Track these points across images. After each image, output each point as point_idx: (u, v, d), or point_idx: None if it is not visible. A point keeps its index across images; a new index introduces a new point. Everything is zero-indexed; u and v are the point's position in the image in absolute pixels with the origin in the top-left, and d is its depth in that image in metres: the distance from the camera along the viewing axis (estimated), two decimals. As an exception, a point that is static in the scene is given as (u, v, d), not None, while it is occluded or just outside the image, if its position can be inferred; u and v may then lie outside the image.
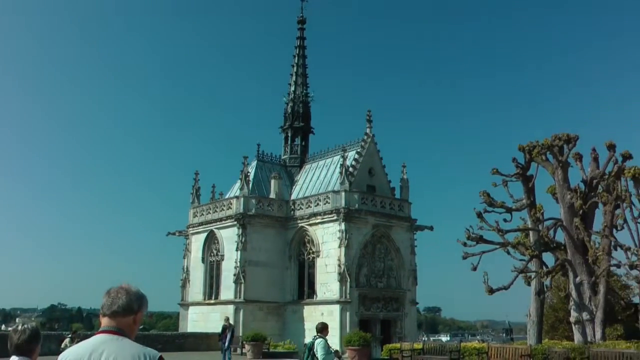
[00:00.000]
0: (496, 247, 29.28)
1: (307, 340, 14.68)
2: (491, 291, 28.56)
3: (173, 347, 38.88)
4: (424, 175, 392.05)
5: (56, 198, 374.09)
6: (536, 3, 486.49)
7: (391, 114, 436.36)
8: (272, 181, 48.51)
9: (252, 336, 37.22)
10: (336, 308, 41.44)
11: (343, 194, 43.52)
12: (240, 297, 43.27)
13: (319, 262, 44.04)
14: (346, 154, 45.77)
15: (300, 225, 46.01)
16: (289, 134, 55.79)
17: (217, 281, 46.61)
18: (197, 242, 48.88)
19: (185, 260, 49.69)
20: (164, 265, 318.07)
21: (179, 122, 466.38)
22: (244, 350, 38.35)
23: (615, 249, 29.62)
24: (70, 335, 28.80)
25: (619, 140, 31.55)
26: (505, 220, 29.70)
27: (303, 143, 56.04)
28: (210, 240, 47.79)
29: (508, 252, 29.45)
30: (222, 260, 45.99)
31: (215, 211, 47.86)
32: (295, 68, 58.15)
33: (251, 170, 49.83)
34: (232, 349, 31.76)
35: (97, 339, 3.58)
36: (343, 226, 42.46)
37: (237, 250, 44.10)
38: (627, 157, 30.51)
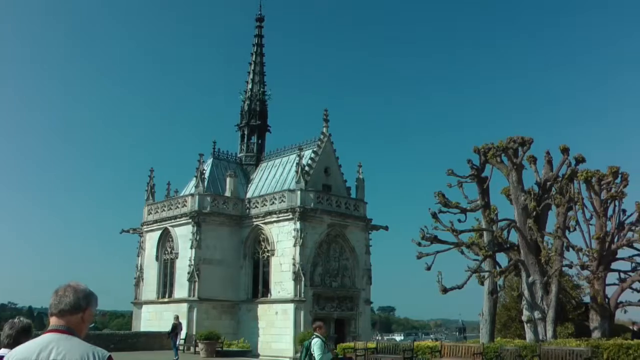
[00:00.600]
0: (450, 247, 29.51)
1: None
2: (445, 290, 28.78)
3: (126, 347, 38.42)
4: (380, 175, 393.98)
5: (6, 196, 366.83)
6: (493, 4, 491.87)
7: (348, 113, 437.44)
8: (228, 179, 48.24)
9: (205, 335, 37.06)
10: (290, 307, 41.46)
11: (299, 192, 43.56)
12: (194, 296, 42.99)
13: (273, 261, 43.99)
14: (302, 153, 45.73)
15: (255, 223, 45.88)
16: (246, 132, 55.55)
17: (171, 279, 46.18)
18: (151, 240, 48.42)
19: (139, 258, 49.20)
20: (117, 264, 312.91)
21: (133, 118, 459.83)
22: (197, 349, 38.11)
23: (568, 250, 30.25)
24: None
25: (573, 144, 32.15)
26: (459, 220, 29.96)
27: (259, 141, 55.86)
28: (165, 238, 47.36)
29: (462, 252, 29.70)
30: (177, 258, 45.62)
31: (170, 209, 47.46)
32: (252, 66, 57.92)
33: (207, 167, 49.48)
34: (175, 346, 31.48)
35: (45, 337, 3.54)
36: (298, 225, 42.49)
37: (191, 248, 43.85)
38: (580, 160, 31.26)
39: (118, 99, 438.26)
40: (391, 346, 30.97)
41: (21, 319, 4.96)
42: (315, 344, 13.24)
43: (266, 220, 45.08)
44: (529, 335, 28.46)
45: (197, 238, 43.95)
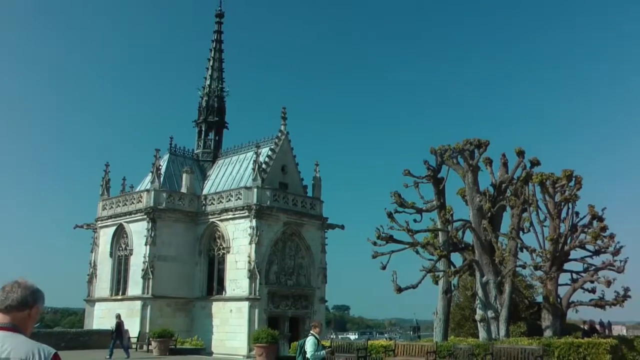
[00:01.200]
0: (406, 247, 29.59)
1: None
2: (399, 290, 28.83)
3: (78, 345, 37.65)
4: (337, 175, 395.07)
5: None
6: (455, 5, 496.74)
7: (306, 112, 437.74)
8: (184, 175, 47.72)
9: (159, 333, 36.48)
10: (245, 305, 41.19)
11: (255, 190, 43.30)
12: (148, 293, 42.41)
13: (229, 258, 43.64)
14: (259, 151, 45.47)
15: (211, 220, 45.49)
16: (203, 128, 55.03)
17: (125, 276, 45.50)
18: (105, 236, 47.63)
19: (93, 254, 48.39)
20: (70, 260, 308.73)
21: (89, 112, 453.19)
22: (150, 347, 37.57)
23: (522, 251, 30.59)
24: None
25: (528, 147, 32.69)
26: (415, 220, 30.06)
27: (217, 138, 55.42)
28: (119, 234, 46.65)
29: (417, 252, 29.82)
30: (131, 254, 44.97)
31: (125, 204, 46.78)
32: (211, 62, 57.47)
33: (163, 163, 48.83)
34: (114, 346, 30.91)
35: None
36: (254, 223, 42.23)
37: (146, 244, 43.27)
38: (535, 163, 31.64)
39: (73, 91, 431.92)
40: (345, 345, 30.78)
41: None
42: (309, 342, 13.78)
43: (222, 218, 44.70)
44: (482, 334, 28.70)
45: (152, 234, 43.40)
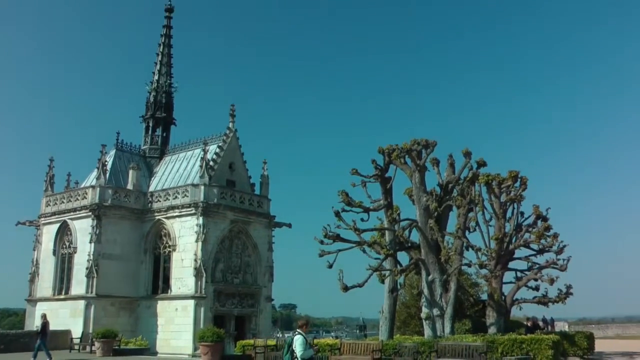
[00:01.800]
0: (352, 246, 29.60)
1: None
2: (346, 288, 28.83)
3: (18, 347, 36.93)
4: (285, 173, 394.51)
5: None
6: (405, 5, 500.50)
7: (255, 110, 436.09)
8: (131, 172, 46.85)
9: (102, 333, 35.89)
10: (191, 303, 40.62)
11: (202, 187, 42.78)
12: (92, 292, 41.41)
13: (175, 256, 42.98)
14: (207, 148, 44.90)
15: (157, 218, 44.79)
16: (150, 124, 54.11)
17: (68, 275, 44.25)
18: (48, 233, 46.31)
19: (35, 252, 46.94)
20: (12, 259, 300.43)
21: (33, 105, 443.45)
22: (93, 348, 36.85)
23: (467, 249, 31.02)
24: None
25: (475, 148, 33.08)
26: (362, 219, 30.20)
27: (164, 134, 54.55)
28: (63, 232, 45.42)
29: (364, 251, 29.90)
30: (75, 252, 43.84)
31: (70, 201, 45.66)
32: (160, 57, 56.60)
33: (109, 159, 47.97)
34: (40, 347, 30.19)
35: None
36: (201, 220, 41.74)
37: (90, 242, 42.26)
38: (481, 164, 32.15)
39: (16, 82, 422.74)
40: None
41: None
42: (297, 340, 13.61)
43: (168, 215, 44.05)
44: (427, 331, 28.90)
45: (97, 232, 42.47)
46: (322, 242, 28.99)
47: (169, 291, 42.73)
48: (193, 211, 42.39)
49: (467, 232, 31.46)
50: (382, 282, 30.60)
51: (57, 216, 46.06)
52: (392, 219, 30.24)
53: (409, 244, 32.37)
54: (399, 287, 33.04)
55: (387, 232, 30.60)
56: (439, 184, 32.70)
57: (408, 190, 32.61)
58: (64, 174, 50.38)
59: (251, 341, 32.27)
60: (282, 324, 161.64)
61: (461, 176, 32.04)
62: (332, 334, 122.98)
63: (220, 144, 46.77)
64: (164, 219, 44.30)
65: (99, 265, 41.84)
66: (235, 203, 44.85)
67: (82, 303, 41.32)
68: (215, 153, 45.87)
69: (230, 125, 47.90)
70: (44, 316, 31.67)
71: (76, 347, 38.60)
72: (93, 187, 44.43)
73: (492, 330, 30.76)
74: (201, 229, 41.50)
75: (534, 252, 33.53)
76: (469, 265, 31.70)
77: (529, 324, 37.16)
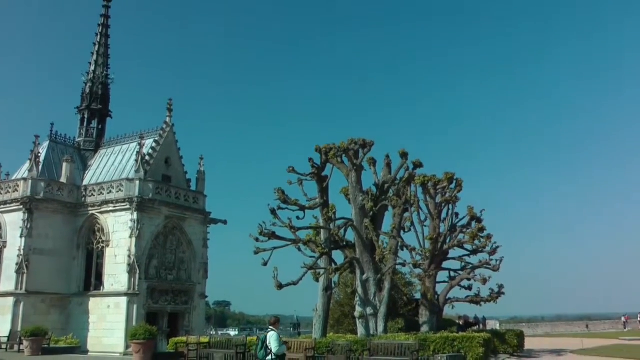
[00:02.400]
0: (288, 244, 29.65)
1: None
2: (280, 286, 28.79)
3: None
4: (222, 170, 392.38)
5: None
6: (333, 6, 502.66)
7: (193, 105, 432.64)
8: (64, 164, 45.65)
9: (31, 331, 34.75)
10: (123, 300, 39.78)
11: (137, 182, 42.02)
12: (21, 289, 40.10)
13: (108, 252, 42.06)
14: (143, 142, 44.15)
15: (91, 212, 43.74)
16: (86, 116, 52.73)
17: (-3, 271, 42.91)
18: (-24, 228, 44.83)
19: (-38, 247, 45.43)
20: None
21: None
22: (21, 347, 35.82)
23: (402, 249, 31.34)
24: None
25: (411, 149, 33.42)
26: (298, 217, 30.30)
27: (100, 126, 53.19)
28: (-8, 225, 44.02)
29: (299, 249, 29.90)
30: (4, 247, 42.38)
31: (0, 193, 44.33)
32: (97, 47, 55.22)
33: (42, 151, 46.59)
34: None
35: None
36: (135, 216, 40.97)
37: (21, 237, 40.96)
38: (417, 165, 32.50)
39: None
40: (224, 341, 30.48)
41: None
42: (272, 337, 14.11)
43: (102, 210, 43.10)
44: (360, 330, 29.11)
45: (28, 226, 41.19)
46: (257, 240, 28.95)
47: (102, 288, 41.79)
48: (128, 206, 41.59)
49: (402, 232, 31.82)
50: (317, 280, 30.60)
51: (-14, 209, 44.56)
52: (327, 218, 30.38)
53: (344, 243, 32.56)
54: (333, 285, 33.20)
55: (322, 231, 30.69)
56: (375, 184, 32.93)
57: (344, 189, 32.79)
58: (-6, 165, 48.66)
59: (184, 338, 32.01)
60: (216, 321, 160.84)
61: (397, 176, 32.36)
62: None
63: (156, 139, 46.00)
64: (97, 214, 43.35)
65: (30, 260, 40.63)
66: (171, 199, 44.21)
67: (10, 300, 40.01)
68: (152, 147, 45.13)
69: (167, 119, 47.19)
70: None
71: (3, 346, 37.50)
72: (25, 179, 43.17)
73: (424, 328, 31.15)
74: (135, 225, 40.75)
75: (467, 253, 34.09)
76: (404, 265, 32.10)
77: (461, 323, 37.81)
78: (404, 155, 32.01)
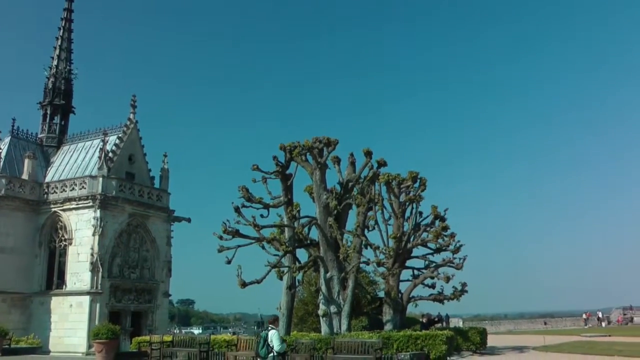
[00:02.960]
0: (252, 242, 29.56)
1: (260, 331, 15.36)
2: (244, 285, 28.64)
3: None
4: (186, 167, 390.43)
5: None
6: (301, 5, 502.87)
7: (158, 102, 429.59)
8: (26, 161, 45.05)
9: (-9, 332, 34.30)
10: (86, 299, 39.35)
11: (100, 179, 41.58)
12: (-19, 288, 39.62)
13: (71, 250, 41.57)
14: (107, 138, 43.75)
15: (53, 210, 43.23)
16: (48, 111, 51.96)
17: (-44, 270, 42.13)
18: None
19: None
20: None
21: None
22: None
23: (366, 248, 31.37)
24: None
25: (376, 148, 33.62)
26: (262, 215, 30.19)
27: (63, 122, 52.46)
28: (-49, 223, 43.19)
29: (263, 247, 29.79)
30: (-35, 245, 41.85)
31: (-41, 190, 43.49)
32: (59, 41, 54.41)
33: (3, 147, 46.00)
34: None
35: None
36: (98, 213, 40.56)
37: (-19, 235, 40.42)
38: (382, 164, 32.56)
39: None
40: (188, 340, 30.35)
41: None
42: (274, 335, 14.50)
43: (65, 207, 42.59)
44: (324, 328, 29.14)
45: (-12, 224, 40.70)
46: (221, 238, 28.76)
47: (64, 287, 41.30)
48: (90, 204, 41.15)
49: (366, 230, 31.85)
50: (281, 278, 30.53)
51: (-56, 206, 43.72)
52: (291, 216, 30.32)
53: (308, 241, 32.54)
54: (297, 284, 33.22)
55: (286, 229, 30.64)
56: (340, 182, 32.95)
57: (308, 187, 32.79)
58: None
59: (147, 337, 31.76)
60: (180, 320, 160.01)
61: (361, 175, 32.41)
62: (230, 330, 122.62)
63: (120, 135, 45.53)
64: (60, 211, 42.84)
65: (-10, 259, 40.04)
66: (134, 196, 43.81)
67: (-30, 300, 39.46)
68: (115, 144, 44.65)
69: (131, 116, 46.75)
70: None
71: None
72: (-15, 176, 42.49)
73: (388, 327, 31.25)
74: (99, 222, 40.36)
75: (431, 251, 34.24)
76: (367, 263, 32.13)
77: (424, 321, 38.00)
78: (368, 154, 32.07)
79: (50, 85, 52.53)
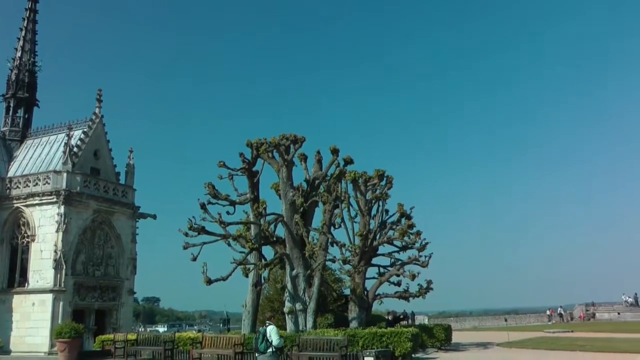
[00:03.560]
0: (217, 239, 29.48)
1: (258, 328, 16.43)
2: (209, 282, 28.54)
3: None
4: (152, 163, 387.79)
5: None
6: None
7: (124, 97, 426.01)
8: (-12, 155, 44.30)
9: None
10: (49, 297, 38.56)
11: (65, 175, 40.85)
12: (-59, 288, 38.82)
13: (33, 247, 40.72)
14: (72, 133, 43.00)
15: (16, 205, 42.32)
16: (11, 104, 50.81)
17: None
18: None
19: None
20: None
21: None
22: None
23: (332, 245, 31.57)
24: None
25: (342, 145, 33.65)
26: (228, 212, 30.16)
27: (26, 116, 51.37)
28: None
29: (229, 244, 29.78)
30: None
31: None
32: (23, 32, 53.25)
33: (-36, 140, 45.15)
34: None
35: None
36: (62, 209, 39.82)
37: (-59, 231, 39.61)
38: (348, 162, 32.67)
39: None
40: (152, 338, 30.28)
41: None
42: (272, 330, 15.02)
43: (28, 203, 41.75)
44: (289, 325, 29.20)
45: (-52, 219, 39.92)
46: (186, 235, 28.66)
47: (27, 284, 40.45)
48: (54, 199, 40.41)
49: (332, 228, 32.04)
50: (246, 276, 30.62)
51: None
52: (258, 213, 30.34)
53: (274, 239, 32.59)
54: (262, 281, 33.26)
55: (252, 226, 30.66)
56: (306, 180, 32.99)
57: (275, 184, 32.79)
58: None
59: (111, 336, 31.59)
60: (145, 318, 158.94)
61: (328, 173, 32.47)
62: (195, 327, 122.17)
63: (85, 130, 44.73)
64: (23, 207, 42.00)
65: (-50, 256, 39.28)
66: (99, 192, 43.11)
67: None
68: (80, 139, 43.89)
69: (97, 110, 45.97)
70: None
71: None
72: (-55, 171, 41.66)
73: (353, 324, 31.41)
74: (62, 219, 39.63)
75: (397, 249, 34.53)
76: (333, 261, 32.31)
77: (389, 318, 38.25)
78: (335, 151, 32.12)
79: (13, 78, 51.43)
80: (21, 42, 53.01)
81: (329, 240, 31.15)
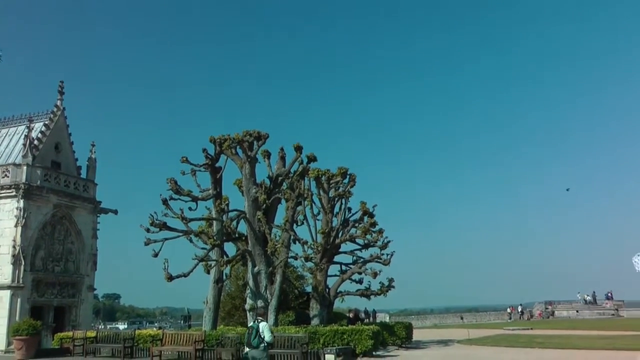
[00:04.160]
0: (179, 235, 29.35)
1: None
2: (170, 278, 28.40)
3: None
4: (114, 157, 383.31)
5: None
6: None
7: (87, 90, 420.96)
8: (-56, 147, 43.35)
9: None
10: (6, 294, 37.74)
11: (25, 168, 40.06)
12: None
13: (-9, 242, 40.11)
14: (32, 125, 42.25)
15: (-27, 200, 41.59)
16: (-30, 97, 50.28)
17: None
18: None
19: None
20: None
21: None
22: None
23: (294, 242, 31.57)
24: None
25: (306, 143, 33.71)
26: (190, 208, 29.97)
27: (-16, 108, 50.85)
28: None
29: (191, 241, 29.69)
30: None
31: None
32: (-18, 24, 52.61)
33: None
34: None
35: None
36: (22, 204, 39.06)
37: None
38: (312, 159, 32.72)
39: None
40: (112, 335, 30.01)
41: None
42: (265, 327, 15.21)
43: (-14, 197, 41.05)
44: (250, 322, 29.05)
45: None
46: (148, 230, 28.39)
47: (-16, 281, 39.80)
48: (13, 193, 39.62)
49: (294, 225, 32.08)
50: (208, 272, 30.54)
51: None
52: (220, 209, 30.26)
53: (237, 235, 32.57)
54: (224, 278, 33.23)
55: (214, 222, 30.63)
56: (269, 177, 33.01)
57: (238, 181, 32.78)
58: None
59: (70, 333, 31.28)
60: (105, 315, 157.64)
61: (291, 170, 32.52)
62: (156, 324, 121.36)
63: (46, 122, 43.95)
64: (-20, 201, 41.24)
65: None
66: (60, 186, 42.38)
67: None
68: (41, 131, 43.13)
69: (59, 102, 45.29)
70: None
71: None
72: None
73: (315, 321, 31.49)
74: (22, 213, 38.88)
75: (359, 247, 34.60)
76: (295, 258, 32.33)
77: (350, 316, 38.39)
78: (299, 149, 32.14)
79: (-29, 69, 50.63)
80: (-21, 32, 51.98)
81: (292, 237, 31.17)
